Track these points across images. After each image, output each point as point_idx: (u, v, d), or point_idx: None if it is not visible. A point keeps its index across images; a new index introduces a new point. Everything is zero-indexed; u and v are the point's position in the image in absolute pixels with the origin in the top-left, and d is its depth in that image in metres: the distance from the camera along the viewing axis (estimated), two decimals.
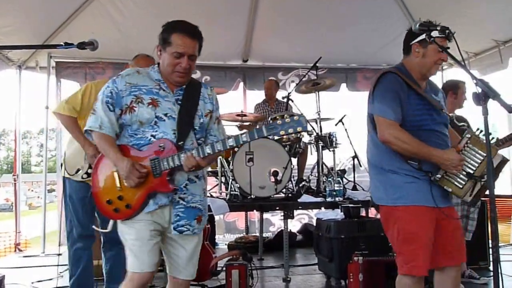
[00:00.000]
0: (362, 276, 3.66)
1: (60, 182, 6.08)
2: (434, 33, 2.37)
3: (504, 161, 2.71)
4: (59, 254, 5.78)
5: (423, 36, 2.41)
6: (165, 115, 2.19)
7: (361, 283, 3.66)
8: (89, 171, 3.17)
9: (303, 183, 5.12)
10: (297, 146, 5.05)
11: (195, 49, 2.21)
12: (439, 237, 2.49)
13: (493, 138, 2.54)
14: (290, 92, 5.48)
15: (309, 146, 5.36)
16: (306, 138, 5.37)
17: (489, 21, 5.70)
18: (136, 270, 2.17)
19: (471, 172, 2.40)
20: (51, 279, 4.47)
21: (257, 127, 5.10)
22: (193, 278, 2.38)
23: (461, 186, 2.42)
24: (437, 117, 2.48)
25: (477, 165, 2.41)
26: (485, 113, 2.00)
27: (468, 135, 2.43)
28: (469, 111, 3.93)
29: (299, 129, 2.08)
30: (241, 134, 2.11)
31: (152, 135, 2.17)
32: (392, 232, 2.50)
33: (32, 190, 29.66)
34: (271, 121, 4.03)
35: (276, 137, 2.16)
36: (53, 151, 7.60)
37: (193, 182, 2.26)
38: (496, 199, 2.10)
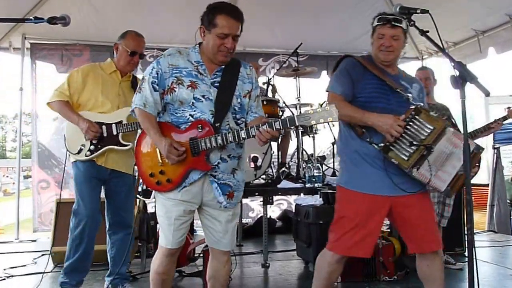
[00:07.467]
0: None
1: (36, 168, 6.03)
2: (374, 22, 2.55)
3: (478, 152, 2.55)
4: (33, 241, 5.71)
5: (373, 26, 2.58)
6: (203, 96, 2.30)
7: None
8: (91, 147, 3.19)
9: (283, 168, 5.11)
10: None
11: (239, 29, 2.32)
12: (402, 226, 2.56)
13: (438, 114, 2.46)
14: (271, 78, 5.45)
15: (290, 131, 5.35)
16: None
17: (468, 11, 5.73)
18: (162, 244, 2.39)
19: (416, 142, 2.36)
20: (24, 266, 4.39)
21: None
22: (231, 249, 2.53)
23: (406, 158, 2.37)
24: (392, 97, 2.50)
25: (423, 137, 2.37)
26: (463, 96, 1.98)
27: (413, 106, 2.41)
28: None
29: (329, 119, 2.11)
30: (274, 121, 2.18)
31: (190, 115, 2.30)
32: None
33: (7, 176, 29.09)
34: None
35: (307, 125, 2.18)
36: (29, 136, 7.43)
37: (225, 162, 2.36)
38: (473, 187, 2.10)
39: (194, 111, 2.29)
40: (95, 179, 3.27)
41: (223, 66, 2.38)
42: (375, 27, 2.57)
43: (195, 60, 2.36)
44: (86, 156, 3.20)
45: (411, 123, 2.39)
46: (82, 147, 3.20)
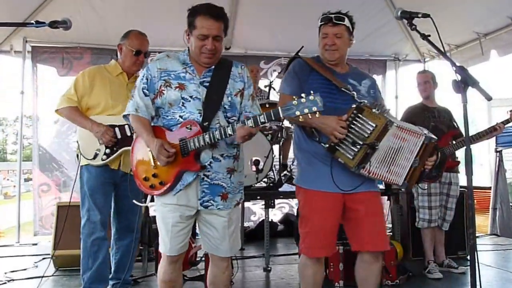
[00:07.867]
0: (342, 266, 3.68)
1: (37, 171, 6.02)
2: (319, 22, 2.61)
3: (430, 142, 2.46)
4: (34, 244, 5.69)
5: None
6: (191, 96, 2.30)
7: (342, 272, 3.68)
8: (107, 151, 3.14)
9: (284, 172, 5.09)
10: (279, 135, 5.00)
11: (220, 30, 2.29)
12: (350, 222, 2.57)
13: (381, 107, 2.47)
14: (273, 81, 5.44)
15: (291, 134, 5.32)
16: (288, 124, 5.32)
17: (470, 14, 5.71)
18: (161, 251, 2.38)
19: (359, 141, 2.37)
20: (25, 269, 4.37)
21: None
22: (230, 255, 2.49)
23: (351, 157, 2.39)
24: (338, 96, 2.52)
25: (366, 135, 2.38)
26: (464, 100, 1.97)
27: (354, 105, 2.41)
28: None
29: (314, 109, 2.06)
30: (259, 115, 2.17)
31: (180, 116, 2.30)
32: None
33: (8, 179, 29.07)
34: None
35: (292, 116, 2.10)
36: (30, 139, 7.41)
37: (218, 161, 2.34)
38: (475, 190, 2.09)
39: (183, 111, 2.30)
40: (108, 184, 3.24)
41: (213, 67, 2.38)
42: (320, 26, 2.62)
43: (184, 62, 2.38)
44: (102, 160, 3.15)
45: (355, 122, 2.40)
46: (98, 152, 3.15)
